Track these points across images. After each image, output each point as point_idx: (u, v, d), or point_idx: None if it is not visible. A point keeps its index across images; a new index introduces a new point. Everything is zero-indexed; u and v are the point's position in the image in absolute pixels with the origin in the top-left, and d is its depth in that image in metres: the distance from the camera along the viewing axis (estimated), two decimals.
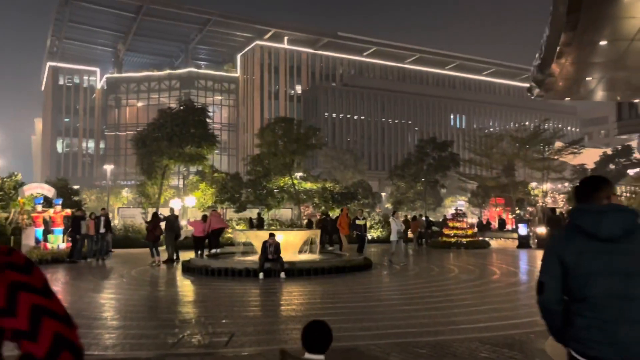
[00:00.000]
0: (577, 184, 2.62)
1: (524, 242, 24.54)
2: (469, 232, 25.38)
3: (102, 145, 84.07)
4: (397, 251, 16.77)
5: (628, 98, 24.92)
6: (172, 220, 17.61)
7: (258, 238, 14.79)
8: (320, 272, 13.35)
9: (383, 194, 56.30)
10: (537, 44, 15.70)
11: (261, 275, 12.72)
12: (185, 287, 12.23)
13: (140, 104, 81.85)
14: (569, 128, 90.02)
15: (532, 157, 36.79)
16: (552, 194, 38.59)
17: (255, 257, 14.00)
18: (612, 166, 47.79)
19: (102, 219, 19.07)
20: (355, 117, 78.98)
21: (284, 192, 32.88)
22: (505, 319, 7.78)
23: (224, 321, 7.80)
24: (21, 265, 1.29)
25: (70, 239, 18.30)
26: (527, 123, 50.72)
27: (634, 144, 55.78)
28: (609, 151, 51.79)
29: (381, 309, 8.85)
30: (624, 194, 28.89)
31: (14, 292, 1.23)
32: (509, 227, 37.94)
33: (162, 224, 17.28)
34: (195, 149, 28.55)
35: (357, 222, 17.61)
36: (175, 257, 17.04)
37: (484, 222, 33.93)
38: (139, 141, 28.82)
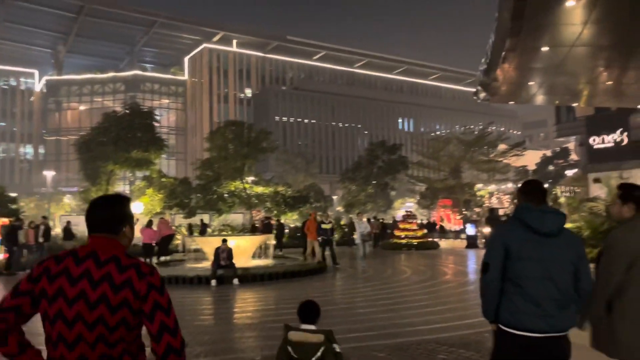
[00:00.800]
0: (525, 184, 3.08)
1: (472, 242, 25.18)
2: (419, 233, 25.83)
3: (41, 150, 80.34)
4: (360, 253, 17.16)
5: (566, 102, 26.08)
6: None
7: (209, 244, 14.47)
8: (275, 277, 13.19)
9: (334, 197, 56.56)
10: (481, 50, 16.20)
11: (214, 282, 12.42)
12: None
13: (83, 107, 78.78)
14: (511, 131, 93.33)
15: (478, 159, 37.90)
16: (497, 194, 39.91)
17: (206, 264, 13.69)
18: (551, 167, 49.92)
19: (42, 227, 18.16)
20: (306, 120, 79.06)
21: (235, 196, 32.41)
22: (460, 319, 7.89)
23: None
24: (159, 287, 1.92)
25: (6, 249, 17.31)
26: (472, 126, 52.22)
27: (571, 145, 58.58)
28: (548, 153, 54.09)
29: (338, 312, 8.79)
30: (564, 194, 30.13)
31: (154, 310, 1.88)
32: (456, 227, 38.99)
33: None
34: (142, 154, 27.74)
35: (323, 226, 17.03)
36: None
37: (433, 223, 34.66)
38: (82, 146, 27.74)
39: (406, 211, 29.28)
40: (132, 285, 1.86)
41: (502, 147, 40.70)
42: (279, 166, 58.72)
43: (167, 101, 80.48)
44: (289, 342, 3.47)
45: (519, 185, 3.25)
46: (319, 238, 16.91)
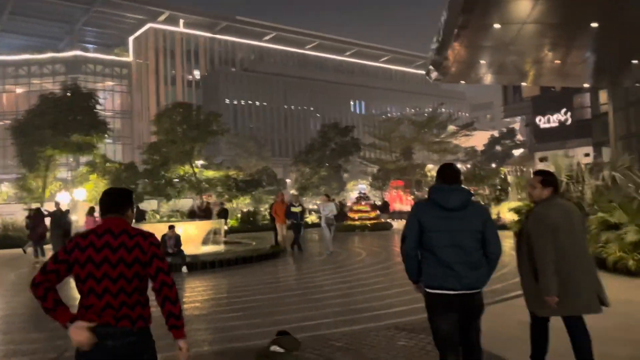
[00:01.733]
0: (440, 168, 3.62)
1: None
2: (372, 214, 25.81)
3: None
4: (325, 238, 15.33)
5: (514, 82, 26.51)
6: (58, 215, 15.97)
7: (156, 231, 13.71)
8: (226, 263, 12.69)
9: (288, 180, 56.07)
10: (431, 33, 16.02)
11: None
12: (74, 291, 10.98)
13: (19, 90, 74.39)
14: (459, 113, 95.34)
15: (429, 141, 38.25)
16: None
17: None
18: (498, 148, 51.28)
19: None
20: (257, 103, 77.80)
21: (184, 181, 31.42)
22: (418, 302, 7.64)
23: None
24: (161, 257, 2.75)
25: None
26: (423, 108, 52.71)
27: (517, 126, 60.30)
28: (496, 134, 55.47)
29: (292, 299, 8.43)
30: (511, 174, 30.75)
31: (157, 272, 2.70)
32: (408, 207, 39.42)
33: (48, 220, 15.60)
34: (84, 138, 26.34)
35: (292, 209, 15.58)
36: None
37: (386, 204, 34.78)
38: (17, 130, 26.04)
39: (359, 192, 29.16)
40: (140, 245, 2.66)
41: (451, 128, 41.28)
42: (230, 150, 57.60)
43: (111, 83, 77.13)
44: None
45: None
46: (288, 222, 15.80)
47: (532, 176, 4.15)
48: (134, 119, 76.46)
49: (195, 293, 9.63)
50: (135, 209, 24.97)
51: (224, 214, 22.33)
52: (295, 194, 16.80)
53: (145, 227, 15.61)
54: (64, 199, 30.48)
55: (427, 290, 3.42)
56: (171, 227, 12.32)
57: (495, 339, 5.25)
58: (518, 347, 4.99)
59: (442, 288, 3.34)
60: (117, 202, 2.79)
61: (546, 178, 4.06)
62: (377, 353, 5.20)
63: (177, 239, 12.25)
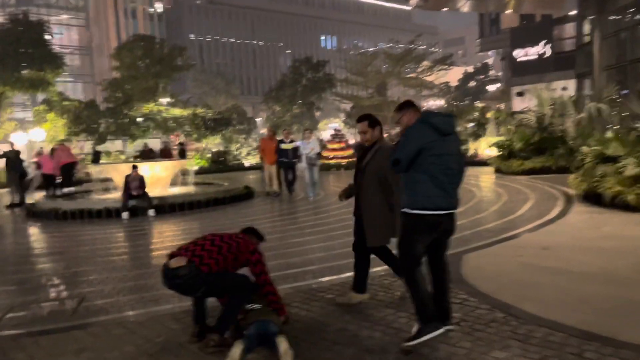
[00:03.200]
0: (409, 103, 3.90)
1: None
2: (348, 152, 25.06)
3: None
4: (305, 180, 13.03)
5: (495, 9, 25.48)
6: (13, 157, 14.64)
7: (119, 172, 12.69)
8: (197, 205, 11.80)
9: (258, 119, 54.57)
10: None
11: (125, 214, 10.86)
12: (27, 238, 10.01)
13: None
14: (431, 49, 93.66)
15: (405, 76, 37.08)
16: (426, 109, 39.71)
17: (117, 195, 12.04)
18: (472, 83, 50.50)
19: None
20: (225, 39, 74.48)
21: (149, 120, 29.90)
22: None
23: (76, 279, 6.10)
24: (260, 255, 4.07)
25: None
26: (398, 41, 50.94)
27: (490, 61, 59.42)
28: (469, 69, 54.53)
29: (269, 244, 7.66)
30: (486, 109, 30.14)
31: (256, 264, 4.00)
32: None
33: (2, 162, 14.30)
34: (37, 73, 24.39)
35: (283, 146, 13.14)
36: (20, 201, 14.29)
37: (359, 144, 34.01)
38: None
39: (335, 130, 28.24)
40: None
41: (426, 64, 40.08)
42: (197, 87, 55.33)
43: (66, 17, 72.16)
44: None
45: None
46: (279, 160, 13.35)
47: (358, 123, 4.43)
48: (93, 55, 72.40)
49: (163, 238, 8.79)
50: (92, 150, 23.71)
51: (183, 154, 21.25)
52: (287, 129, 13.94)
53: (108, 168, 14.54)
54: (20, 139, 28.72)
55: (417, 212, 3.53)
56: (134, 168, 11.28)
57: (489, 280, 4.63)
58: (518, 291, 4.36)
59: (437, 209, 3.53)
60: None
61: (373, 119, 4.42)
62: (376, 307, 4.50)
63: (142, 180, 11.25)
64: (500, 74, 49.54)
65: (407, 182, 3.56)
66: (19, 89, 24.44)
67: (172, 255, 3.78)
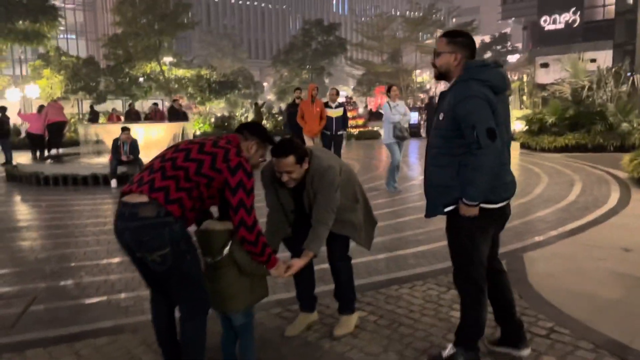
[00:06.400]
0: (465, 35, 2.62)
1: (414, 131, 23.36)
2: (360, 122, 23.64)
3: None
4: (395, 164, 8.45)
5: None
6: None
7: (110, 134, 11.37)
8: None
9: (265, 84, 52.86)
10: None
11: (114, 182, 9.63)
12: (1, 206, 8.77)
13: None
14: (453, 14, 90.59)
15: (424, 41, 35.20)
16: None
17: (106, 159, 10.77)
18: (490, 53, 48.37)
19: None
20: (232, 0, 72.05)
21: (151, 80, 28.40)
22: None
23: (43, 267, 4.86)
24: (249, 172, 2.40)
25: None
26: (412, 9, 48.60)
27: (508, 30, 57.05)
28: (487, 39, 52.30)
29: None
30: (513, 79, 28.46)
31: (237, 187, 2.35)
32: None
33: None
34: (32, 25, 22.85)
35: (329, 112, 9.62)
36: (5, 161, 13.03)
37: (374, 112, 32.44)
38: None
39: (345, 97, 26.70)
40: None
41: (439, 33, 38.08)
42: (203, 49, 53.49)
43: None
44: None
45: (448, 35, 2.65)
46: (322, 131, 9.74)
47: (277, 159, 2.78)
48: (97, 12, 70.26)
49: None
50: (90, 109, 22.34)
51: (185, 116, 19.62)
52: (334, 89, 10.14)
53: (98, 129, 13.21)
54: (14, 96, 27.36)
55: (487, 206, 2.56)
56: (125, 130, 9.96)
57: (575, 298, 3.35)
58: (625, 319, 3.09)
59: (502, 199, 2.63)
60: None
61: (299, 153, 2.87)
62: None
63: (133, 144, 9.95)
64: (519, 44, 47.40)
65: (460, 165, 2.54)
66: (12, 41, 22.94)
67: (123, 192, 2.42)
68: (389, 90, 8.51)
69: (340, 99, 12.10)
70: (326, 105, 9.74)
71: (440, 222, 6.26)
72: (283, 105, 31.10)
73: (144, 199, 2.29)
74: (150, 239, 2.27)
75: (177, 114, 14.59)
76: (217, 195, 2.47)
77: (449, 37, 2.63)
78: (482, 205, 2.55)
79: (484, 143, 2.41)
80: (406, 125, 8.36)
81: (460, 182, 2.53)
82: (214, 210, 2.66)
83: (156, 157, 2.50)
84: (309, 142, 9.76)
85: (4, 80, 25.32)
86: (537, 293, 3.84)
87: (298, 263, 2.81)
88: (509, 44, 49.83)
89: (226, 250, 2.47)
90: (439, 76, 2.71)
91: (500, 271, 2.87)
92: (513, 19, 40.84)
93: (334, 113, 9.67)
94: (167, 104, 31.39)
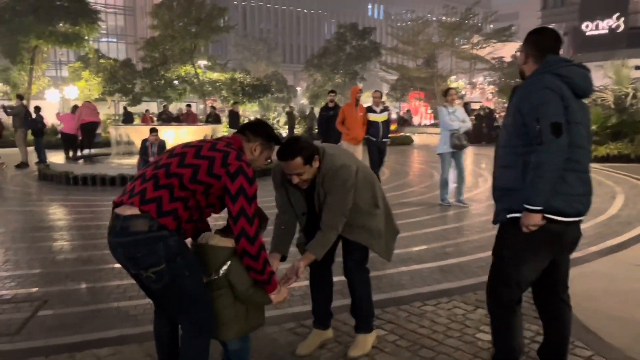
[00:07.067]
0: (547, 32, 2.49)
1: None
2: (392, 127, 23.29)
3: None
4: (445, 176, 7.73)
5: None
6: (20, 113, 13.55)
7: (141, 135, 11.42)
8: None
9: (298, 88, 52.94)
10: None
11: None
12: (27, 204, 8.84)
13: None
14: (489, 19, 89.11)
15: (460, 46, 34.51)
16: (480, 85, 37.07)
17: (136, 160, 10.81)
18: None
19: None
20: (269, 5, 72.61)
21: (185, 82, 28.70)
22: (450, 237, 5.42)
23: (59, 270, 4.79)
24: (250, 178, 2.18)
25: None
26: (448, 13, 47.89)
27: None
28: None
29: None
30: None
31: (238, 194, 2.14)
32: (427, 121, 36.72)
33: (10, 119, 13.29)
34: (72, 27, 23.37)
35: (371, 116, 8.71)
36: (40, 160, 13.26)
37: (406, 117, 32.05)
38: None
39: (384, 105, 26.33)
40: None
41: (479, 37, 37.26)
42: (239, 53, 53.94)
43: None
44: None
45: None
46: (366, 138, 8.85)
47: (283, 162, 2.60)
48: (136, 16, 71.90)
49: None
50: (124, 110, 22.64)
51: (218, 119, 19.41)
52: (378, 92, 9.28)
53: (129, 130, 13.33)
54: (53, 97, 28.08)
55: (553, 217, 2.24)
56: (153, 131, 9.96)
57: (625, 326, 3.02)
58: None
59: (575, 212, 2.29)
60: None
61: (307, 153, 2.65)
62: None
63: (161, 145, 9.94)
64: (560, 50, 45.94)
65: (525, 165, 2.26)
66: (53, 43, 23.51)
67: (115, 203, 2.24)
68: (446, 94, 7.82)
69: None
70: (369, 109, 8.84)
71: (471, 234, 6.01)
72: (316, 109, 31.01)
73: (135, 211, 2.10)
74: (144, 255, 2.08)
75: (237, 118, 14.86)
76: (217, 203, 2.28)
77: (527, 35, 2.51)
78: (547, 215, 2.24)
79: (546, 138, 2.16)
80: (462, 132, 7.51)
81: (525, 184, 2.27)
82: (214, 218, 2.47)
83: (150, 164, 2.31)
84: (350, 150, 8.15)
85: (44, 82, 26.01)
86: (574, 316, 3.52)
87: (300, 266, 2.65)
88: None
89: (223, 270, 2.25)
90: (523, 76, 2.52)
91: (565, 303, 2.55)
92: (553, 24, 39.70)
93: (379, 118, 8.74)
94: (200, 106, 31.79)
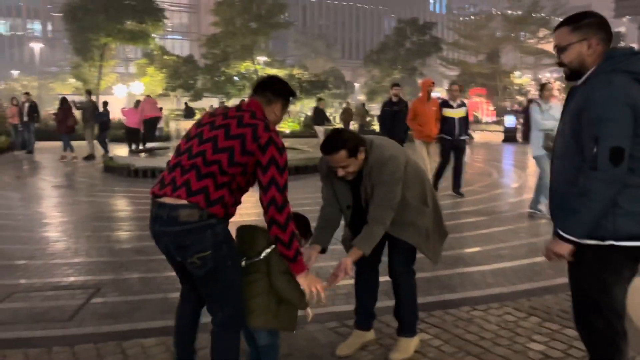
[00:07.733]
0: (591, 16, 2.04)
1: (510, 136, 22.14)
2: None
3: (49, 27, 76.09)
4: (544, 181, 6.36)
5: None
6: (89, 107, 14.22)
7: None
8: None
9: (356, 84, 52.77)
10: None
11: None
12: (91, 195, 9.25)
13: None
14: (558, 12, 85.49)
15: (524, 41, 33.22)
16: (546, 81, 35.62)
17: None
18: None
19: (26, 105, 15.66)
20: (328, 1, 72.76)
21: (245, 79, 29.26)
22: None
23: (114, 259, 4.99)
24: (280, 147, 2.18)
25: None
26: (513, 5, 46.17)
27: (622, 29, 52.61)
28: None
29: None
30: None
31: (269, 164, 2.14)
32: (488, 119, 35.70)
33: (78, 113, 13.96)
34: (138, 25, 24.37)
35: (446, 112, 7.97)
36: (104, 152, 13.91)
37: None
38: (68, 15, 24.31)
39: (438, 98, 25.87)
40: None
41: (547, 30, 35.71)
42: (297, 49, 54.46)
43: None
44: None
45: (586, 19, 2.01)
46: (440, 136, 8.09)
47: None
48: (200, 13, 73.91)
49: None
50: (185, 106, 23.30)
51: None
52: (456, 85, 8.58)
53: (187, 124, 13.68)
54: (120, 92, 29.33)
55: (622, 244, 1.92)
56: None
57: None
58: None
59: None
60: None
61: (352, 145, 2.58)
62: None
63: None
64: (634, 45, 43.47)
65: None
66: (121, 40, 24.61)
67: (156, 194, 2.20)
68: (542, 88, 6.84)
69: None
70: (444, 104, 8.09)
71: (527, 237, 5.75)
72: (372, 105, 30.76)
73: (183, 201, 2.12)
74: (192, 242, 2.12)
75: (322, 116, 16.07)
76: (252, 180, 2.28)
77: (572, 23, 2.05)
78: (622, 243, 1.93)
79: (602, 165, 1.85)
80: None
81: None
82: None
83: (182, 152, 2.25)
84: (422, 150, 8.34)
85: (113, 78, 27.28)
86: (636, 329, 3.28)
87: (347, 263, 2.57)
88: (623, 44, 45.91)
89: (266, 252, 2.27)
90: (571, 76, 2.11)
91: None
92: (628, 17, 37.45)
93: (456, 113, 7.94)
94: None
